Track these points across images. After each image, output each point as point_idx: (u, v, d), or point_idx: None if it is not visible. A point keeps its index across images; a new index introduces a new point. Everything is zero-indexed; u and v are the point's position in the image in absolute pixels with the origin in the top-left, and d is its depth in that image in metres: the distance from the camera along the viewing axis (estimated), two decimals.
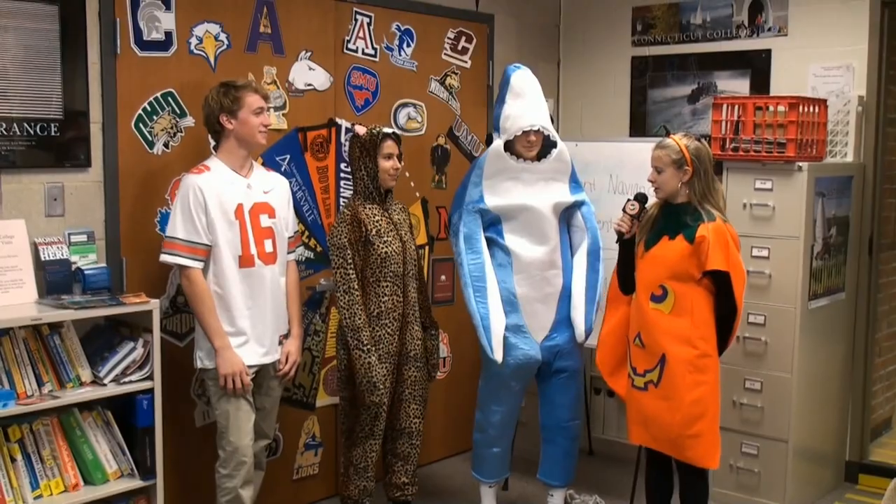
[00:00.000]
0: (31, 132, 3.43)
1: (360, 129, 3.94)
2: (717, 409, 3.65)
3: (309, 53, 4.34)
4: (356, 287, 3.81)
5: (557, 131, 4.31)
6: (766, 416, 4.45)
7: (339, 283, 3.83)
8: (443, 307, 4.99)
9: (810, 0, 4.83)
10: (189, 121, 3.88)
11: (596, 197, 4.58)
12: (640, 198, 3.81)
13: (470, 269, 4.03)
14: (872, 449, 5.09)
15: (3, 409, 3.09)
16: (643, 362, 3.70)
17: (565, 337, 4.17)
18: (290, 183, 4.00)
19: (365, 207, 3.90)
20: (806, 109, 4.36)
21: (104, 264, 3.61)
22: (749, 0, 5.04)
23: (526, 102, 4.09)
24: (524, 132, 4.05)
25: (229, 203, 3.54)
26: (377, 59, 4.66)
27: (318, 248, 4.44)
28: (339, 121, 4.48)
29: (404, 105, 4.83)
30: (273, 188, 3.74)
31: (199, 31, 3.91)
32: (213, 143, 3.72)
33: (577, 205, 4.25)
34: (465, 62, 5.14)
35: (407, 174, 4.82)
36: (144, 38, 3.74)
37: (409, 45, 4.81)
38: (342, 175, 4.49)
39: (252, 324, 3.61)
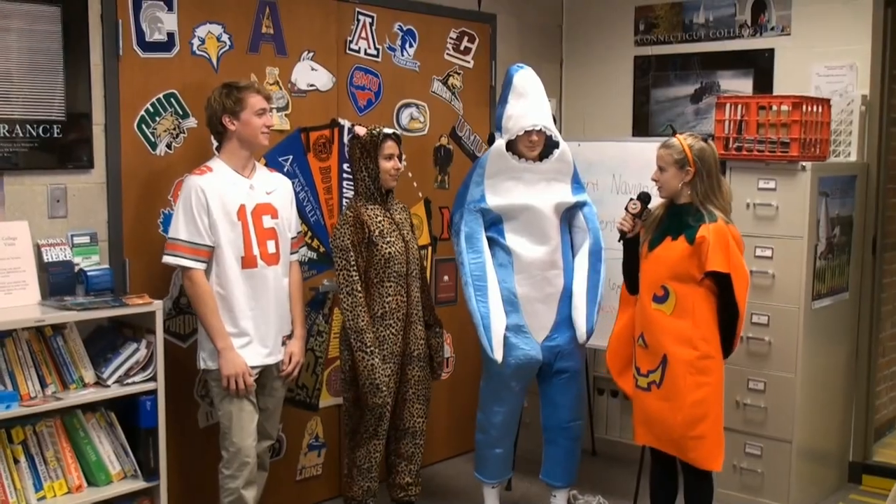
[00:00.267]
0: (34, 134, 3.43)
1: (361, 130, 3.93)
2: (720, 410, 3.64)
3: (311, 54, 4.34)
4: (359, 289, 3.81)
5: (560, 131, 4.31)
6: (769, 417, 4.44)
7: (342, 284, 3.83)
8: (446, 307, 4.99)
9: None
10: (191, 122, 3.89)
11: (599, 197, 4.57)
12: (643, 197, 3.80)
13: (471, 269, 4.03)
14: (876, 449, 5.08)
15: (7, 410, 3.09)
16: (646, 363, 3.70)
17: (566, 337, 4.17)
18: (293, 183, 4.00)
19: (367, 208, 3.90)
20: (809, 109, 4.36)
21: (107, 266, 3.61)
22: None
23: (528, 102, 4.08)
24: (526, 132, 4.05)
25: (232, 204, 3.54)
26: (380, 60, 4.66)
27: (321, 249, 4.44)
28: (341, 121, 4.48)
29: (407, 105, 4.83)
30: (276, 189, 3.74)
31: (201, 31, 3.91)
32: (215, 144, 3.72)
33: (579, 205, 4.25)
34: (468, 62, 5.13)
35: (409, 174, 4.82)
36: (147, 40, 3.74)
37: (411, 46, 4.81)
38: (345, 175, 4.49)
39: (255, 324, 3.61)
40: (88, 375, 3.35)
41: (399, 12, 4.73)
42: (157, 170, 3.80)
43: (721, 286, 3.54)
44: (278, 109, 4.19)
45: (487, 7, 5.24)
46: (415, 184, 4.89)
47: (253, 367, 3.60)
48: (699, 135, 3.71)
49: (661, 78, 5.42)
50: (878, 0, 4.64)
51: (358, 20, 4.55)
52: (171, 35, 3.81)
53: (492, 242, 4.13)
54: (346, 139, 4.47)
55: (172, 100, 3.83)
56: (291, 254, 3.82)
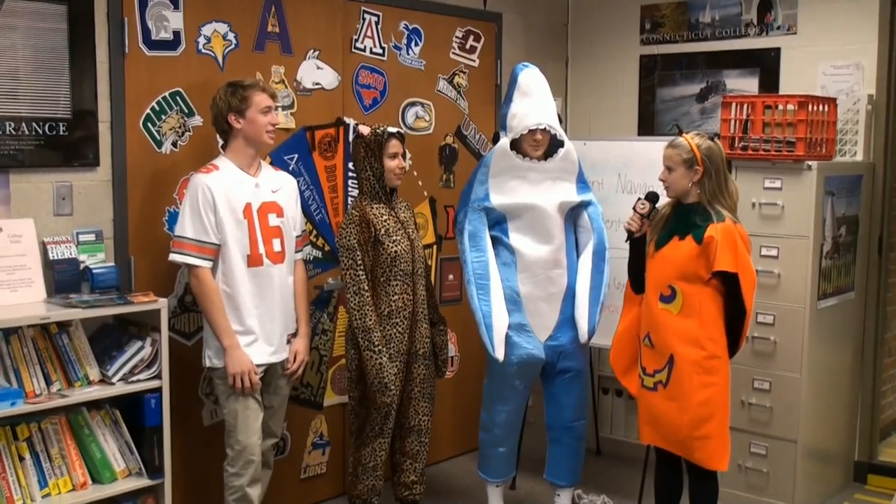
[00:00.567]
0: (40, 131, 3.44)
1: (365, 129, 3.93)
2: (726, 411, 3.63)
3: (317, 52, 4.34)
4: (366, 288, 3.81)
5: (565, 130, 4.30)
6: (774, 416, 4.43)
7: (349, 284, 3.82)
8: (450, 306, 4.99)
9: None
10: (197, 120, 3.89)
11: (604, 196, 4.57)
12: (651, 197, 3.79)
13: (473, 267, 4.02)
14: (882, 449, 5.07)
15: (12, 407, 3.10)
16: (652, 362, 3.69)
17: (569, 337, 4.16)
18: (298, 182, 4.00)
19: (372, 207, 3.90)
20: (815, 108, 4.35)
21: (112, 263, 3.61)
22: None
23: (533, 101, 4.08)
24: (530, 131, 4.04)
25: (238, 202, 3.55)
26: (385, 58, 4.66)
27: (326, 248, 4.44)
28: (347, 120, 4.48)
29: (412, 104, 4.83)
30: (281, 187, 3.74)
31: (207, 30, 3.92)
32: (221, 142, 3.72)
33: (584, 205, 4.24)
34: (474, 61, 5.13)
35: (415, 173, 4.82)
36: (153, 38, 3.74)
37: (417, 44, 4.81)
38: (350, 174, 4.49)
39: (260, 323, 3.62)
40: (93, 373, 3.36)
41: (405, 11, 4.73)
42: (162, 168, 3.81)
43: (729, 286, 3.53)
44: (284, 108, 4.19)
45: (493, 6, 5.23)
46: (420, 183, 4.89)
47: (258, 366, 3.60)
48: (705, 133, 3.71)
49: (667, 77, 5.42)
50: None
51: (363, 19, 4.55)
52: (176, 33, 3.82)
53: (495, 241, 4.12)
54: (351, 138, 4.47)
55: (178, 98, 3.83)
56: (296, 252, 3.82)
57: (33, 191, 3.45)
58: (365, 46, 4.57)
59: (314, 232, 4.38)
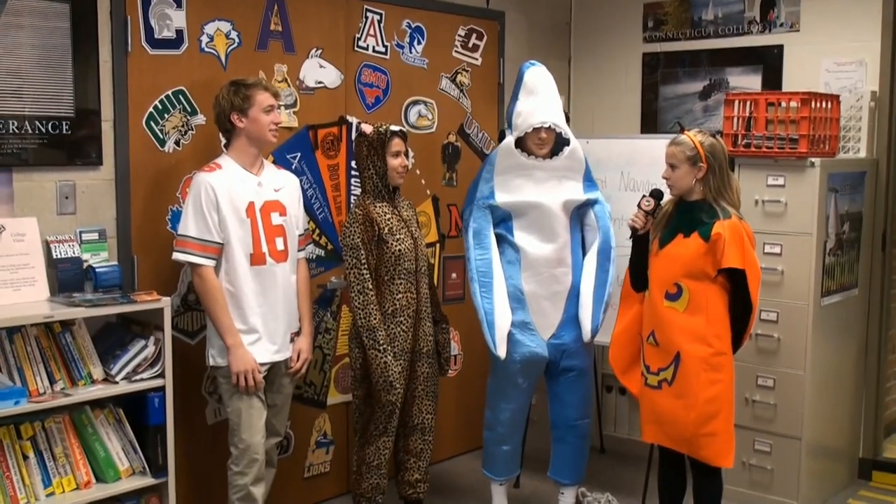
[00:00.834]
0: (43, 130, 3.44)
1: (367, 128, 3.93)
2: (731, 407, 3.62)
3: (320, 51, 4.34)
4: (370, 287, 3.81)
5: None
6: (778, 413, 4.43)
7: (353, 283, 3.82)
8: (454, 305, 4.99)
9: None
10: (200, 119, 3.89)
11: (607, 194, 4.55)
12: (656, 194, 3.79)
13: (476, 265, 4.02)
14: (886, 445, 5.07)
15: (16, 406, 3.10)
16: (657, 360, 3.69)
17: (572, 336, 4.15)
18: (301, 181, 4.00)
19: (375, 206, 3.90)
20: (818, 105, 4.34)
21: (115, 262, 3.61)
22: None
23: (538, 99, 4.07)
24: (535, 129, 4.03)
25: (241, 201, 3.55)
26: (388, 57, 4.66)
27: (329, 246, 4.44)
28: (349, 118, 4.48)
29: (415, 102, 4.82)
30: (284, 186, 3.74)
31: (210, 28, 3.92)
32: (223, 141, 3.72)
33: (591, 203, 4.23)
34: (476, 59, 5.13)
35: (417, 172, 4.82)
36: (156, 36, 3.74)
37: (419, 43, 4.81)
38: (353, 173, 4.49)
39: (264, 321, 3.62)
40: (97, 372, 3.36)
41: (407, 9, 4.73)
42: (165, 167, 3.81)
43: (735, 283, 3.53)
44: (286, 107, 4.19)
45: (496, 4, 5.23)
46: (423, 181, 4.88)
47: (262, 364, 3.60)
48: (707, 130, 3.70)
49: (670, 75, 5.41)
50: None
51: (366, 17, 4.55)
52: (179, 32, 3.82)
53: (500, 239, 4.12)
54: (353, 136, 4.47)
55: (181, 97, 3.83)
56: (299, 251, 3.82)
57: (37, 189, 3.45)
58: (368, 45, 4.57)
59: (317, 230, 4.38)
